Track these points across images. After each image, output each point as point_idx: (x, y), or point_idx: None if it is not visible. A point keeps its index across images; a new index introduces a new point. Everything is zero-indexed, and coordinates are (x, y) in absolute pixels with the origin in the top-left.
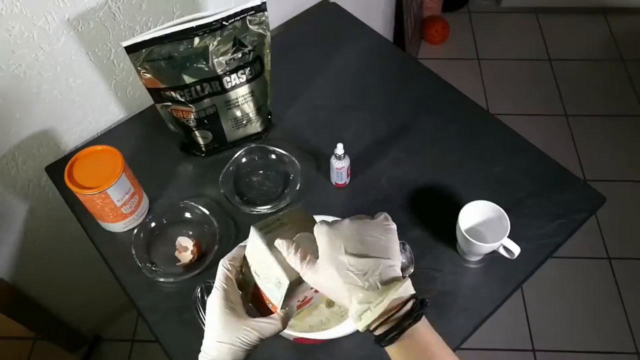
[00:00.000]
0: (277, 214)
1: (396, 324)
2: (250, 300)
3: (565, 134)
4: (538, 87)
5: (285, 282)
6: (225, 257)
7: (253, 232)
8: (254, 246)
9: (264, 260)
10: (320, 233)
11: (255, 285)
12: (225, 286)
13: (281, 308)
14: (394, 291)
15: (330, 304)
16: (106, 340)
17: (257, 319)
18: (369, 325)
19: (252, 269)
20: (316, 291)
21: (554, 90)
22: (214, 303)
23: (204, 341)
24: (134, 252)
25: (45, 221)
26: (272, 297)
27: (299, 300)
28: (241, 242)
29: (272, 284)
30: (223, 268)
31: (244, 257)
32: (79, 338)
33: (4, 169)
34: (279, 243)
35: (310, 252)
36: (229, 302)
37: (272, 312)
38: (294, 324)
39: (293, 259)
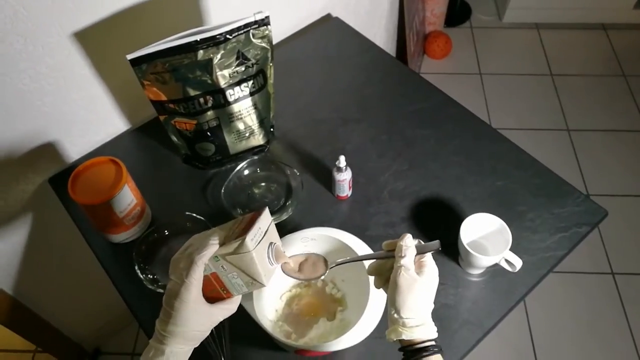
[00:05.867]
0: (243, 216)
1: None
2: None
3: (567, 149)
4: (540, 101)
5: (262, 285)
6: (203, 255)
7: (248, 243)
8: (242, 254)
9: (246, 264)
10: (434, 273)
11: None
12: (199, 280)
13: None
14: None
15: (330, 317)
16: (106, 353)
17: (219, 305)
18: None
19: (219, 264)
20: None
21: (556, 105)
22: (191, 296)
23: (162, 332)
24: (135, 263)
25: (47, 232)
26: (232, 288)
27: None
28: None
29: (240, 280)
30: (199, 265)
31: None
32: (79, 351)
33: (7, 181)
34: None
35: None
36: (201, 294)
37: (222, 297)
38: (296, 337)
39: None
